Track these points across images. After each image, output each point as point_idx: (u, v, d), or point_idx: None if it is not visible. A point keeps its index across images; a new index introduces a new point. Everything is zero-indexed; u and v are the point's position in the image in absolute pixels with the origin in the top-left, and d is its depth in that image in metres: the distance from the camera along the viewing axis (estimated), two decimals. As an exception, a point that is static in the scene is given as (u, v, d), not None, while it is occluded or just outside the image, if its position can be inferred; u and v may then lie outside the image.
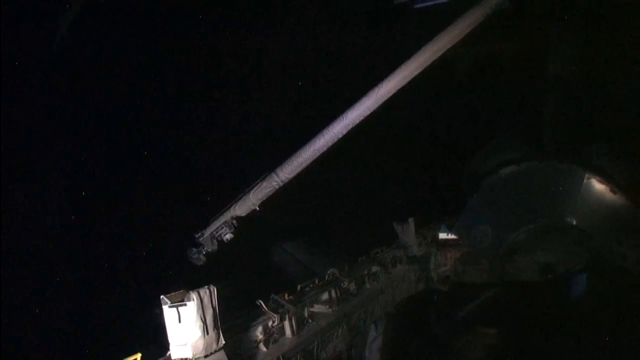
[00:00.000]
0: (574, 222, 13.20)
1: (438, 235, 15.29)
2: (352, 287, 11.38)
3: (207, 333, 6.82)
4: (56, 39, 11.31)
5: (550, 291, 12.46)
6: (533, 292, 12.71)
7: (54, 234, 11.59)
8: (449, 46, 8.07)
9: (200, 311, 6.75)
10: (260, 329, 8.30)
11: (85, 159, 12.31)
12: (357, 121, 8.51)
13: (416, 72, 8.22)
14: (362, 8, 14.60)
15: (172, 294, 6.74)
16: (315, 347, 9.26)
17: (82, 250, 12.19)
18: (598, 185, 13.26)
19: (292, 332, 8.84)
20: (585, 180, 13.30)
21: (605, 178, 13.30)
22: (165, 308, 6.66)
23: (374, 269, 12.58)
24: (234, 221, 9.26)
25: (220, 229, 9.18)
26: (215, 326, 7.00)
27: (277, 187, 9.02)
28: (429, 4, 13.30)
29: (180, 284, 6.94)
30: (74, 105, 11.92)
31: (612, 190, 13.18)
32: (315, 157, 8.79)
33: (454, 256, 14.87)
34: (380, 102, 8.37)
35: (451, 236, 15.01)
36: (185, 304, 6.65)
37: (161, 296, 6.70)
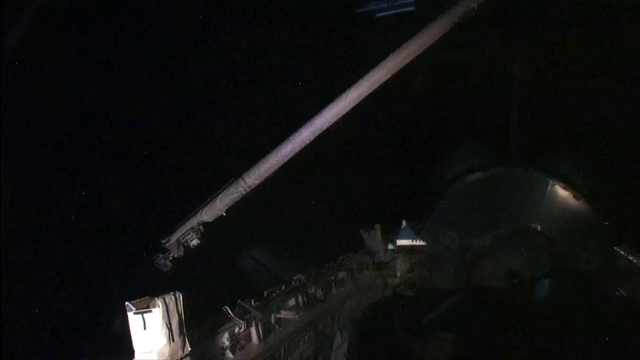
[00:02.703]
0: (539, 228, 13.41)
1: (396, 241, 15.34)
2: (319, 293, 11.38)
3: (173, 340, 6.73)
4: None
5: (514, 296, 12.62)
6: (497, 297, 12.87)
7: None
8: (417, 54, 8.16)
9: (166, 318, 6.66)
10: (226, 335, 8.23)
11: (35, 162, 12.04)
12: (325, 127, 8.57)
13: (384, 79, 8.28)
14: (323, 17, 14.66)
15: (137, 300, 6.64)
16: (282, 354, 9.20)
17: (39, 256, 11.94)
18: (562, 192, 13.52)
19: (259, 338, 8.79)
20: (549, 187, 13.54)
21: (568, 184, 13.55)
22: (130, 315, 6.55)
23: (341, 275, 12.59)
24: (201, 227, 9.22)
25: (187, 235, 9.14)
26: (181, 333, 6.92)
27: (244, 192, 9.02)
28: (390, 12, 13.44)
29: (145, 290, 6.86)
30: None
31: (575, 197, 13.44)
32: (282, 163, 8.83)
33: (419, 262, 14.96)
34: (347, 109, 8.44)
35: (417, 242, 15.10)
36: (150, 311, 6.55)
37: (126, 303, 6.60)
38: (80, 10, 11.79)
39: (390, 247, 15.09)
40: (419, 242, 14.95)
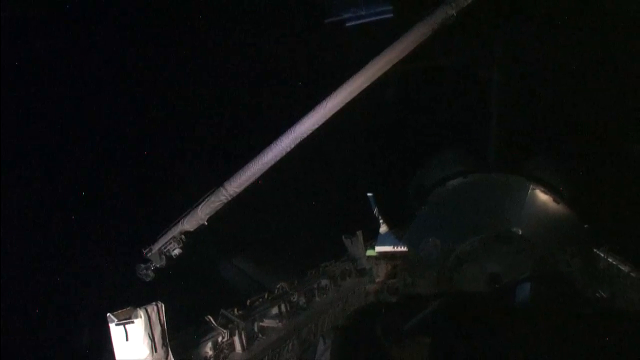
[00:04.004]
0: (520, 232, 13.50)
1: (376, 247, 15.38)
2: (302, 300, 11.39)
3: (156, 350, 6.71)
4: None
5: (496, 300, 12.68)
6: (479, 301, 12.92)
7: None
8: (396, 61, 8.20)
9: (148, 328, 6.64)
10: (209, 345, 8.22)
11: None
12: (305, 135, 8.58)
13: (364, 86, 8.32)
14: (302, 25, 14.73)
15: (119, 311, 6.61)
16: (265, 362, 9.21)
17: (16, 266, 11.79)
18: (542, 196, 13.64)
19: (242, 347, 8.78)
20: (529, 192, 13.65)
21: (548, 189, 13.67)
22: (112, 326, 6.52)
23: (324, 282, 12.61)
24: (183, 236, 9.18)
25: (169, 244, 9.08)
26: (164, 343, 6.89)
27: (225, 201, 8.99)
28: (360, 22, 13.55)
29: (127, 301, 6.82)
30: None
31: (555, 200, 13.56)
32: (263, 170, 8.83)
33: (402, 267, 15.00)
34: (328, 116, 8.46)
35: (399, 248, 15.14)
36: (132, 322, 6.52)
37: (107, 314, 6.56)
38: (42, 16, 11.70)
39: (369, 253, 15.12)
40: (400, 248, 14.99)
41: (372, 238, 15.44)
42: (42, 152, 12.24)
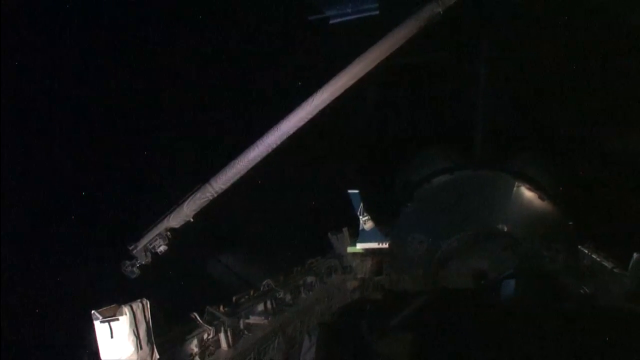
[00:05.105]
0: (506, 229, 13.55)
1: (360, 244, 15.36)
2: (288, 297, 11.38)
3: (141, 348, 6.68)
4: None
5: (481, 296, 12.73)
6: (465, 298, 12.97)
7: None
8: (383, 57, 8.23)
9: (133, 326, 6.61)
10: (195, 342, 8.19)
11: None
12: (291, 132, 8.62)
13: (350, 84, 8.34)
14: (289, 22, 14.72)
15: (104, 308, 6.58)
16: (251, 359, 9.18)
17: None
18: (527, 193, 13.67)
19: (228, 344, 8.75)
20: (515, 188, 13.69)
21: (533, 186, 13.73)
22: (96, 323, 6.48)
23: (310, 279, 12.60)
24: (168, 233, 9.16)
25: (154, 241, 9.07)
26: (149, 341, 6.86)
27: (211, 197, 9.00)
28: (344, 19, 13.54)
29: (112, 298, 6.79)
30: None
31: (540, 197, 13.62)
32: (249, 167, 8.86)
33: (388, 264, 15.01)
34: (313, 113, 8.50)
35: (384, 244, 15.14)
36: (117, 319, 6.49)
37: (92, 311, 6.52)
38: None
39: (351, 250, 15.11)
40: (386, 245, 14.99)
41: (357, 235, 15.43)
42: (21, 151, 12.15)
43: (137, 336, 6.63)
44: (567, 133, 14.79)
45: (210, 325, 8.52)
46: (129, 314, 6.57)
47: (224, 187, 8.97)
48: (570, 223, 13.76)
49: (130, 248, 9.23)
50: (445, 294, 13.45)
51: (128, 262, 9.15)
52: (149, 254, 9.13)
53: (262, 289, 11.18)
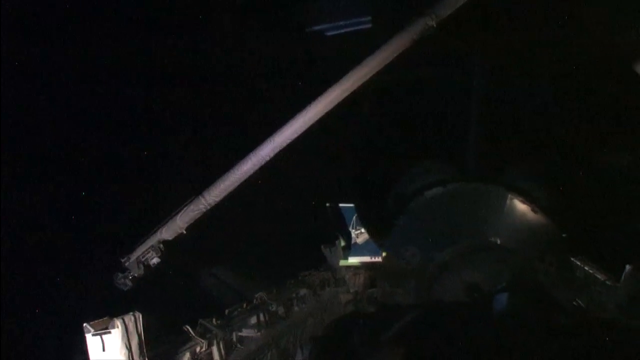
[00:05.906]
0: (499, 241, 13.55)
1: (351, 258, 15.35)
2: (281, 310, 11.35)
3: (133, 361, 6.65)
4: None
5: (475, 309, 12.72)
6: (458, 311, 12.95)
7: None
8: (376, 71, 8.26)
9: (125, 339, 6.57)
10: (187, 355, 8.16)
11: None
12: (285, 144, 8.61)
13: (343, 96, 8.37)
14: (283, 34, 14.76)
15: (96, 321, 6.54)
16: (244, 372, 9.17)
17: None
18: (520, 205, 13.69)
19: (221, 357, 8.73)
20: (508, 201, 13.71)
21: (526, 198, 13.75)
22: (88, 336, 6.44)
23: (303, 291, 12.58)
24: (161, 245, 9.13)
25: (147, 253, 9.04)
26: (141, 353, 6.83)
27: (204, 210, 8.99)
28: (342, 31, 13.59)
29: (104, 311, 6.75)
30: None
31: (533, 210, 13.64)
32: (243, 179, 8.85)
33: (381, 277, 14.99)
34: (307, 125, 8.50)
35: (377, 258, 15.13)
36: (109, 332, 6.46)
37: (84, 324, 6.48)
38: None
39: (345, 263, 15.10)
40: (379, 258, 14.99)
41: (350, 248, 15.42)
42: (15, 157, 12.09)
43: (129, 349, 6.60)
44: (561, 145, 14.82)
45: (202, 338, 8.49)
46: (121, 326, 6.54)
47: (217, 199, 8.96)
48: (564, 235, 13.78)
49: (123, 260, 9.19)
50: (438, 307, 13.44)
51: (120, 275, 9.11)
52: (141, 266, 9.10)
53: (254, 301, 11.15)
